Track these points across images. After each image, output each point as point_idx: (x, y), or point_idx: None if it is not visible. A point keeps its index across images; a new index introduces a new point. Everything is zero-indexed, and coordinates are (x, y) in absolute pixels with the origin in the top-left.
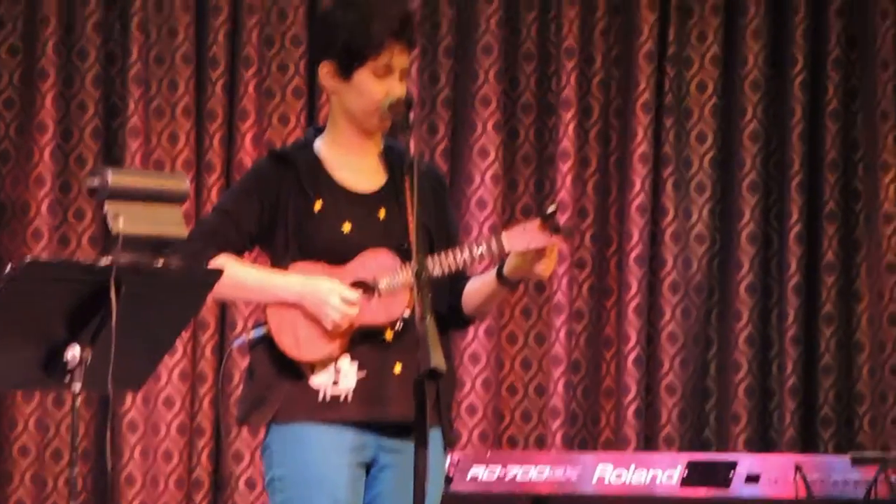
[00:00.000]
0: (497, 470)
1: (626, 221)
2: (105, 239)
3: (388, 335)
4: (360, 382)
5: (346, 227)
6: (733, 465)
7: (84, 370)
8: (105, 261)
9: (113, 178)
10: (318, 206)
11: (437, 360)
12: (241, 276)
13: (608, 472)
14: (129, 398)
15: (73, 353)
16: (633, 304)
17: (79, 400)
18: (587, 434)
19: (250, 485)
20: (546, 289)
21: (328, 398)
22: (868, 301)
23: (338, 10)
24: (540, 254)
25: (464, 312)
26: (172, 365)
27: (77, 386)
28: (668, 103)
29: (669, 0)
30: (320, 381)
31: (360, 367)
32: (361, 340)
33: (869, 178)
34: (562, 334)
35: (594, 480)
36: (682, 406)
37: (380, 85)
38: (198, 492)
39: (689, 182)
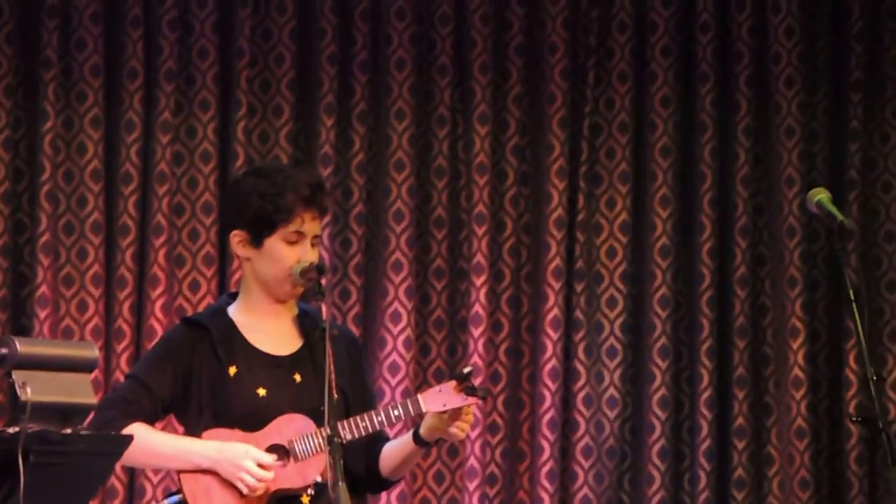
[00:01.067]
0: None
1: (538, 385)
2: (13, 408)
3: (305, 500)
4: None
5: (262, 392)
6: None
7: None
8: (13, 430)
9: (21, 347)
10: (232, 371)
11: None
12: (154, 443)
13: None
14: None
15: None
16: (545, 469)
17: None
18: None
19: None
20: (459, 453)
21: None
22: (779, 465)
23: (248, 178)
24: (456, 415)
25: (381, 475)
26: None
27: None
28: (579, 269)
29: (578, 168)
30: None
31: None
32: None
33: (778, 344)
34: (475, 499)
35: None
36: None
37: (291, 251)
38: None
39: (600, 346)
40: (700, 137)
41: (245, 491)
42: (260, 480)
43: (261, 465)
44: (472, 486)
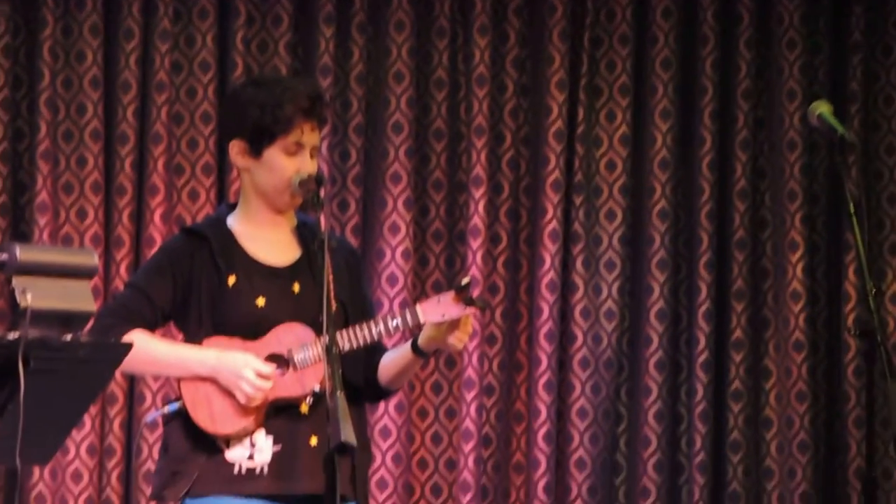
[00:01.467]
0: None
1: (536, 298)
2: (12, 314)
3: (304, 408)
4: (275, 456)
5: (261, 302)
6: None
7: None
8: (12, 335)
9: (21, 253)
10: (231, 281)
11: (348, 434)
12: (154, 350)
13: None
14: (36, 471)
15: None
16: (543, 380)
17: None
18: None
19: None
20: (457, 364)
21: (244, 471)
22: (776, 378)
23: (247, 88)
24: (454, 325)
25: (380, 385)
26: (80, 439)
27: None
28: (578, 181)
29: (578, 80)
30: (236, 454)
31: (275, 441)
32: (277, 413)
33: (777, 257)
34: (472, 409)
35: None
36: (592, 481)
37: (290, 162)
38: None
39: (598, 259)
40: (701, 50)
41: (243, 401)
42: (258, 391)
43: (260, 376)
44: (469, 396)
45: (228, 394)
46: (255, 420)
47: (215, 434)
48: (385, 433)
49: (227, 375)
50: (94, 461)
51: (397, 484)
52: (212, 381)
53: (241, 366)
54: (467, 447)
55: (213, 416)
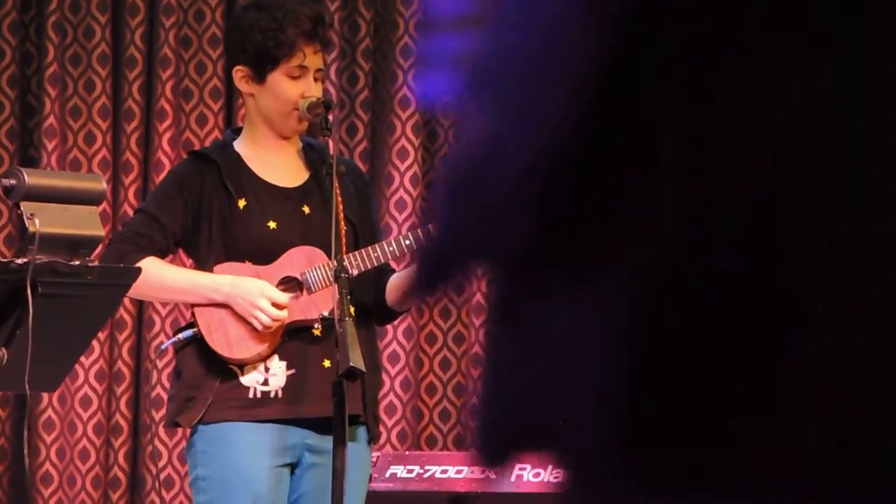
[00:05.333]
0: (415, 469)
1: None
2: (21, 239)
3: (317, 331)
4: (289, 379)
5: (272, 224)
6: None
7: None
8: (21, 261)
9: (29, 178)
10: (242, 204)
11: (356, 359)
12: (168, 277)
13: (526, 471)
14: (45, 397)
15: None
16: None
17: None
18: None
19: (167, 484)
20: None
21: (258, 395)
22: None
23: (249, 12)
24: None
25: (387, 305)
26: (89, 365)
27: None
28: None
29: None
30: (250, 379)
31: (288, 366)
32: (291, 337)
33: None
34: (481, 334)
35: (513, 479)
36: None
37: (294, 86)
38: (115, 491)
39: None
40: None
41: (260, 328)
42: (275, 320)
43: (275, 305)
44: (478, 321)
45: (244, 319)
46: (271, 345)
47: (231, 359)
48: (393, 359)
49: (242, 304)
50: (103, 387)
51: (406, 409)
52: (226, 306)
53: (256, 295)
54: (476, 372)
55: (228, 341)
